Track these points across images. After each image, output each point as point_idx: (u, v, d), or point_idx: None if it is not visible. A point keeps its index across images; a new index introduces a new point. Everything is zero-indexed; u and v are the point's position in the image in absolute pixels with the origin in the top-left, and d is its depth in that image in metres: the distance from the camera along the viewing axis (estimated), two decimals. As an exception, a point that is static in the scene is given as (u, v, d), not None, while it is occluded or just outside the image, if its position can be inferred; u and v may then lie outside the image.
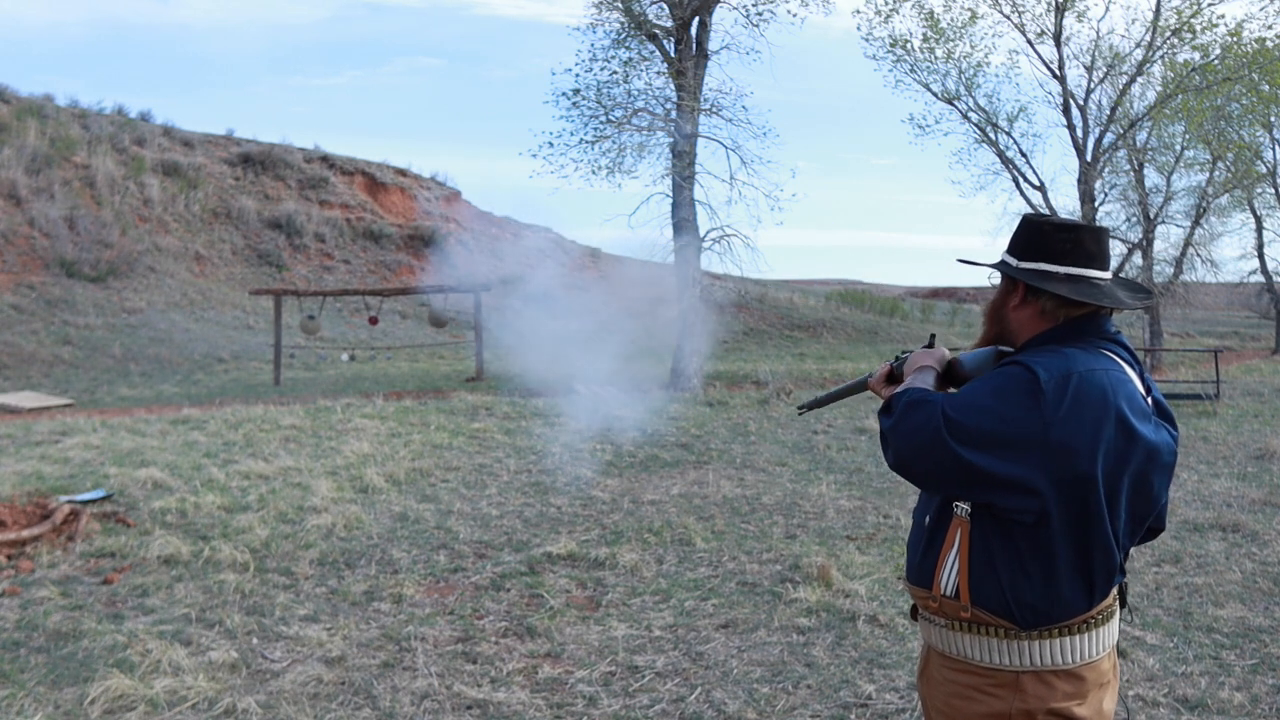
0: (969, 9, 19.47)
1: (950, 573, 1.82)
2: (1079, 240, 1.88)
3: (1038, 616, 1.76)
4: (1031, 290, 1.89)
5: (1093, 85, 20.14)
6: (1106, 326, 1.92)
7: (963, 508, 1.81)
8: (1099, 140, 20.14)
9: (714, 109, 17.00)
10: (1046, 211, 20.15)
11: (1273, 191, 27.12)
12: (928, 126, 20.72)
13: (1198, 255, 24.45)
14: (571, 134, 17.11)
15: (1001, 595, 1.76)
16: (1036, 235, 1.90)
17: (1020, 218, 1.98)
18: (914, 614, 2.01)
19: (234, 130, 32.75)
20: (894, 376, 2.11)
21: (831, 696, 3.71)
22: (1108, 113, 20.16)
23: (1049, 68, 19.86)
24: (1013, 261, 1.91)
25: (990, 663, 1.79)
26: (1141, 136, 21.75)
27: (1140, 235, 22.38)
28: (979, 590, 1.78)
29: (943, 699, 1.86)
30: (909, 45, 19.84)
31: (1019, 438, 1.70)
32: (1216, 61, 18.45)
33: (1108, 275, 1.92)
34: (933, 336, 2.23)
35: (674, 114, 16.66)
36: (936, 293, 46.62)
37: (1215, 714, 3.52)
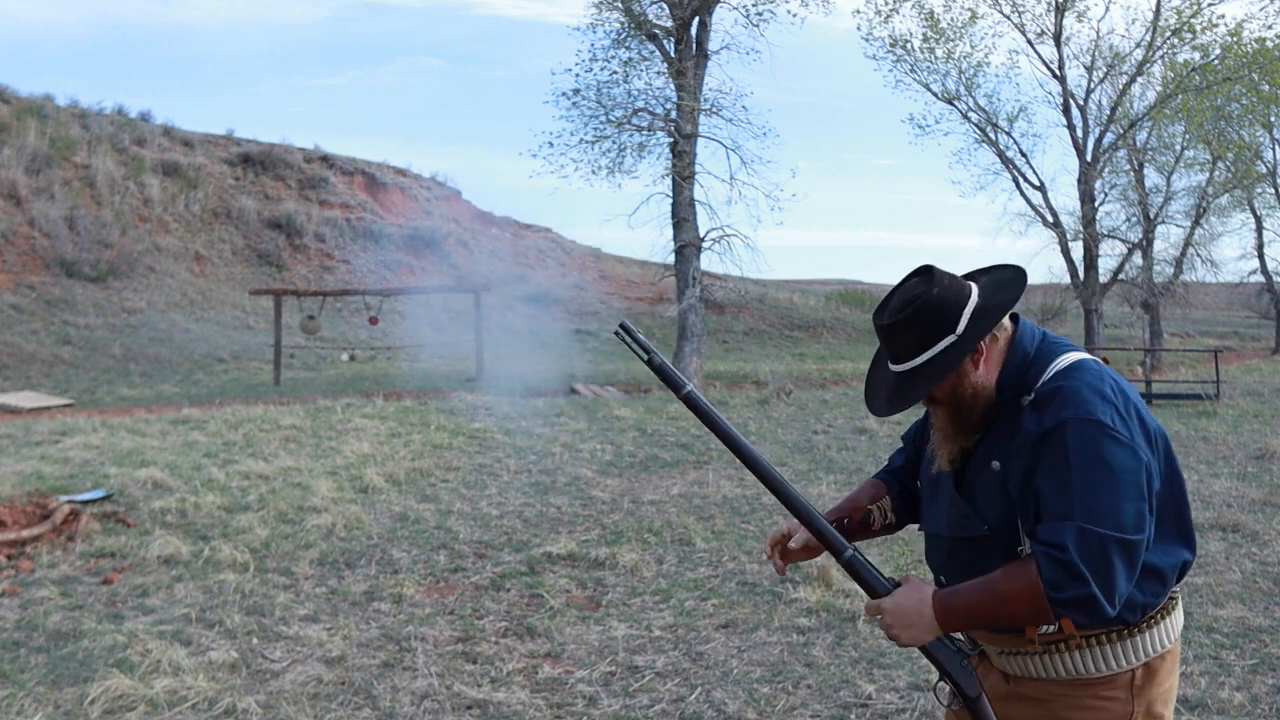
0: (969, 9, 19.49)
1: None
2: (940, 286, 1.74)
3: (1148, 606, 1.71)
4: (987, 334, 1.74)
5: (1093, 85, 20.15)
6: None
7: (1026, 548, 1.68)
8: (1099, 140, 20.16)
9: (714, 109, 17.03)
10: (1046, 211, 20.17)
11: (1273, 191, 27.13)
12: (928, 126, 20.75)
13: (1198, 255, 24.47)
14: (571, 134, 17.16)
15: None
16: (935, 311, 1.72)
17: (895, 328, 1.75)
18: (980, 656, 1.85)
19: (234, 130, 32.79)
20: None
21: (831, 696, 3.71)
22: (1108, 113, 20.17)
23: (1049, 68, 19.88)
24: (950, 338, 1.72)
25: (1106, 670, 1.71)
26: (1141, 136, 21.78)
27: (1140, 235, 22.39)
28: None
29: (1048, 715, 1.76)
30: (909, 45, 19.86)
31: (1144, 478, 1.63)
32: (1216, 61, 18.46)
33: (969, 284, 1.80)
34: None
35: (674, 114, 16.67)
36: (936, 293, 46.56)
37: (1215, 714, 3.52)
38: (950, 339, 1.71)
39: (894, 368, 1.79)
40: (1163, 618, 1.76)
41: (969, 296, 1.74)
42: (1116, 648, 1.71)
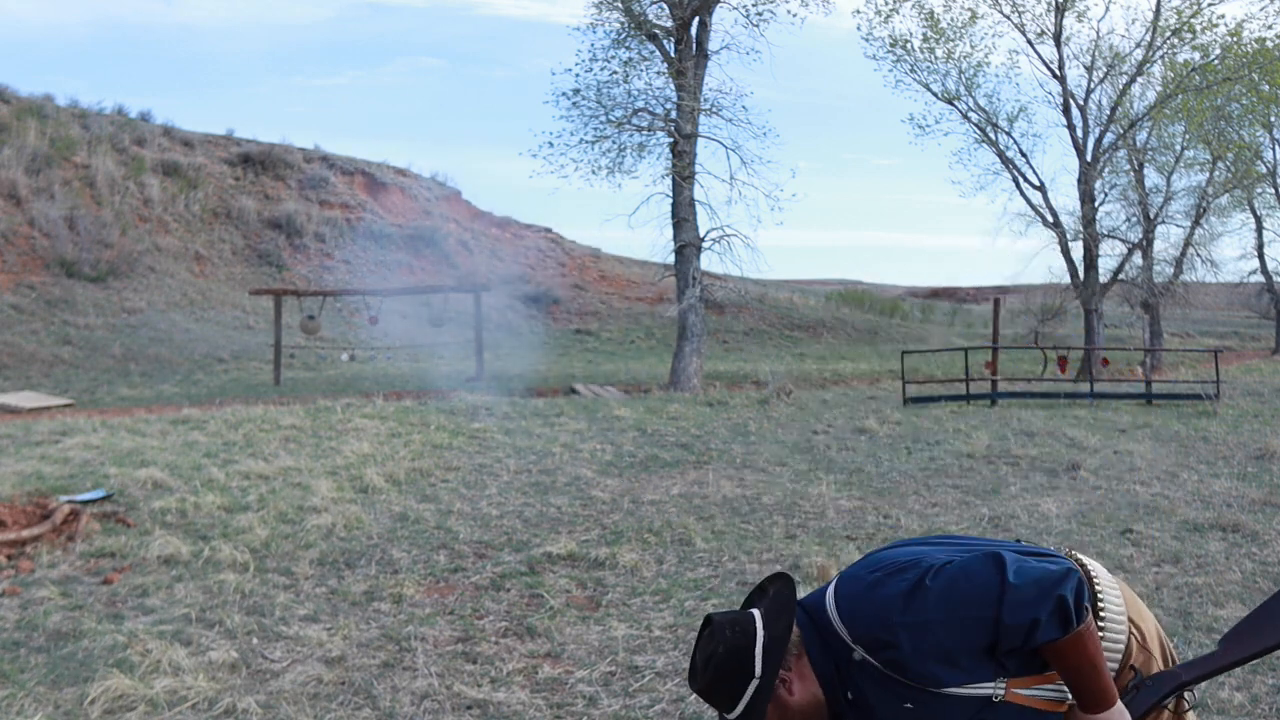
0: (969, 9, 19.49)
1: (1060, 693, 1.81)
2: (724, 640, 1.86)
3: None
4: (785, 664, 1.85)
5: (1093, 85, 20.14)
6: None
7: (998, 690, 1.79)
8: (1099, 140, 20.14)
9: (714, 109, 17.02)
10: (1046, 211, 20.16)
11: (1273, 191, 27.14)
12: (928, 126, 20.73)
13: (1198, 255, 24.46)
14: (571, 134, 17.14)
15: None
16: (731, 662, 1.84)
17: (706, 690, 1.87)
18: None
19: (234, 130, 32.78)
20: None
21: (831, 696, 3.71)
22: (1108, 113, 20.16)
23: (1049, 68, 19.87)
24: (754, 681, 1.82)
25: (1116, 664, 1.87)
26: (1141, 136, 21.76)
27: (1140, 235, 22.38)
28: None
29: None
30: (909, 45, 19.85)
31: (958, 555, 1.86)
32: (1216, 61, 18.46)
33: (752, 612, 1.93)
34: None
35: (674, 114, 16.66)
36: (936, 293, 46.66)
37: (1215, 714, 3.52)
38: (755, 682, 1.81)
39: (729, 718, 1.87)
40: (1099, 594, 1.88)
41: (755, 635, 1.84)
42: (1106, 643, 1.84)
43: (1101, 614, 1.84)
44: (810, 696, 1.85)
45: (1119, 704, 1.76)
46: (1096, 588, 1.87)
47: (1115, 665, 1.84)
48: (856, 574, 1.85)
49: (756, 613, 1.89)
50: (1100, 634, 1.82)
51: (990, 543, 1.85)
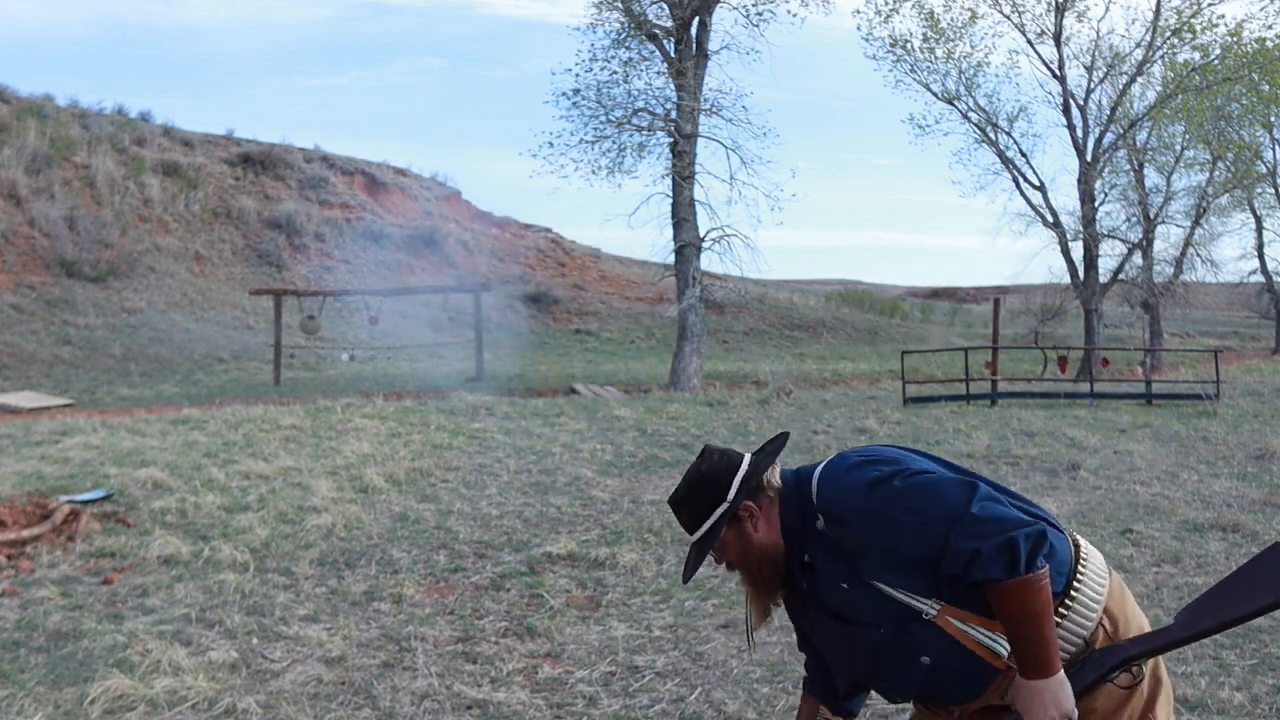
0: (969, 9, 19.48)
1: (993, 639, 1.79)
2: (709, 463, 1.98)
3: (1056, 577, 1.81)
4: (754, 495, 1.94)
5: (1093, 85, 20.14)
6: None
7: (932, 608, 1.79)
8: (1099, 140, 20.14)
9: (714, 109, 17.01)
10: (1046, 211, 20.17)
11: (1273, 191, 27.14)
12: (928, 126, 20.74)
13: (1198, 255, 24.47)
14: (571, 134, 17.13)
15: None
16: (707, 484, 1.95)
17: (678, 505, 2.00)
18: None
19: (234, 130, 32.79)
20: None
21: (831, 696, 3.71)
22: (1108, 113, 20.16)
23: (1049, 68, 19.87)
24: (723, 506, 1.93)
25: (1080, 642, 1.82)
26: (1141, 136, 21.76)
27: (1140, 235, 22.38)
28: None
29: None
30: (909, 45, 19.85)
31: (934, 465, 1.93)
32: (1216, 61, 18.46)
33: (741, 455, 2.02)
34: None
35: (674, 114, 16.66)
36: (936, 293, 46.67)
37: (1215, 714, 3.52)
38: (723, 506, 1.92)
39: (691, 540, 2.00)
40: (1080, 574, 1.85)
41: (737, 466, 1.95)
42: (1070, 623, 1.81)
43: (1073, 594, 1.82)
44: (772, 541, 1.93)
45: (1059, 674, 1.73)
46: (1080, 569, 1.85)
47: (1071, 648, 1.81)
48: (846, 455, 1.94)
49: (747, 454, 2.00)
50: (1065, 614, 1.80)
51: (984, 480, 1.85)
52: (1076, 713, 1.73)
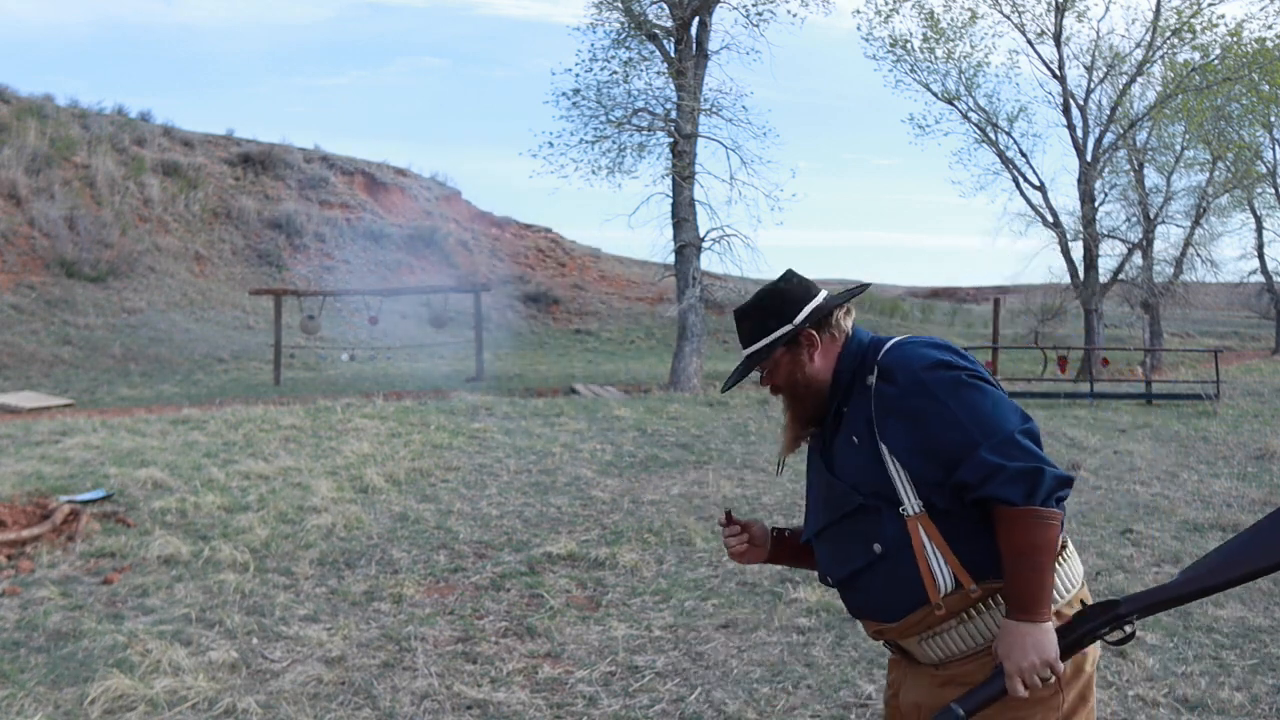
0: (969, 9, 19.48)
1: (941, 570, 1.78)
2: (788, 285, 2.00)
3: None
4: (819, 327, 1.96)
5: (1093, 85, 20.14)
6: None
7: (914, 506, 1.78)
8: (1099, 140, 20.14)
9: (714, 109, 17.01)
10: (1046, 211, 20.17)
11: (1273, 191, 27.14)
12: (928, 126, 20.74)
13: (1198, 255, 24.47)
14: (571, 134, 17.13)
15: (995, 553, 1.76)
16: (781, 297, 1.97)
17: (743, 314, 2.02)
18: (897, 649, 1.93)
19: (234, 130, 32.78)
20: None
21: (831, 696, 3.71)
22: (1108, 113, 20.16)
23: (1049, 68, 19.87)
24: (786, 327, 1.95)
25: None
26: (1141, 136, 21.76)
27: (1140, 235, 22.38)
28: (974, 563, 1.77)
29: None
30: (909, 45, 19.85)
31: (1000, 392, 1.87)
32: (1216, 61, 18.46)
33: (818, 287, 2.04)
34: None
35: (674, 114, 16.66)
36: (936, 293, 46.65)
37: (1215, 714, 3.52)
38: (786, 328, 1.94)
39: (743, 352, 2.02)
40: (1064, 557, 1.84)
41: (813, 297, 1.97)
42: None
43: (1057, 565, 1.81)
44: (822, 375, 1.95)
45: (1048, 623, 1.70)
46: (1064, 553, 1.85)
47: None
48: (930, 338, 1.91)
49: (825, 291, 2.02)
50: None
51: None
52: (1061, 666, 1.70)
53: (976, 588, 1.76)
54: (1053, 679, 1.71)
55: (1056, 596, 1.79)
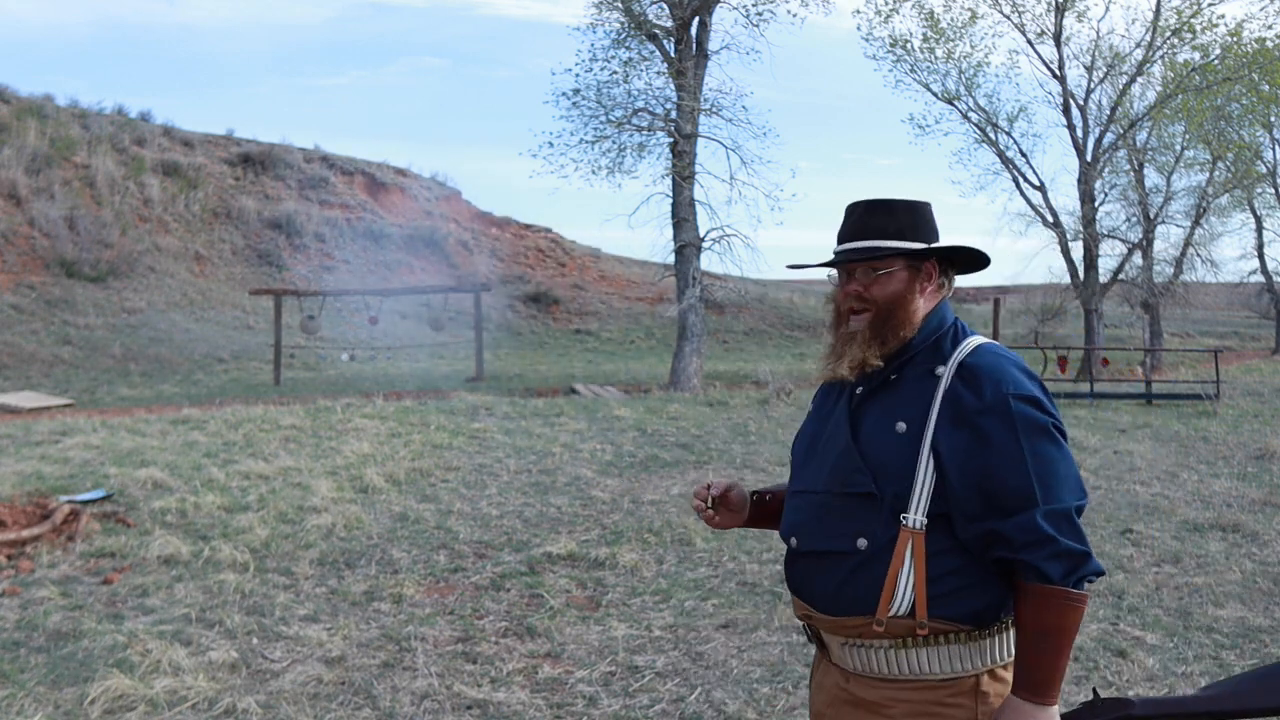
0: (969, 9, 19.48)
1: (905, 592, 1.65)
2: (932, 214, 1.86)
3: (998, 610, 1.69)
4: (940, 267, 1.82)
5: (1093, 85, 20.14)
6: None
7: (918, 519, 1.65)
8: (1099, 140, 20.14)
9: (714, 109, 17.01)
10: (1046, 211, 20.18)
11: (1273, 191, 27.13)
12: (928, 126, 20.74)
13: (1198, 255, 24.46)
14: (571, 134, 17.13)
15: (962, 600, 1.66)
16: (928, 215, 1.82)
17: (889, 205, 1.80)
18: (817, 639, 1.85)
19: (234, 130, 32.78)
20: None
21: (831, 696, 3.71)
22: (1108, 113, 20.16)
23: (1049, 68, 19.87)
24: (921, 247, 1.78)
25: (951, 672, 1.67)
26: (1141, 136, 21.76)
27: (1140, 235, 22.38)
28: (938, 601, 1.66)
29: None
30: (909, 45, 19.85)
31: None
32: (1216, 61, 18.46)
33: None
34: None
35: (674, 114, 16.66)
36: (936, 293, 46.54)
37: (1215, 714, 3.52)
38: (922, 246, 1.77)
39: (858, 244, 1.79)
40: (1011, 623, 1.72)
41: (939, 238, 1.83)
42: (967, 648, 1.68)
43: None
44: (916, 319, 1.77)
45: (1055, 708, 1.61)
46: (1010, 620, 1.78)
47: (966, 667, 1.71)
48: (1018, 358, 1.76)
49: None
50: (1000, 630, 1.72)
51: None
52: None
53: (926, 624, 1.66)
54: None
55: (987, 663, 1.69)
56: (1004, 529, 1.62)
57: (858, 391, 1.79)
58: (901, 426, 1.69)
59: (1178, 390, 14.76)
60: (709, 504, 1.98)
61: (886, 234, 1.77)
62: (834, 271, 1.89)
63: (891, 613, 1.66)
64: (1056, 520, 1.60)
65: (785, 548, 1.86)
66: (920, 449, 1.67)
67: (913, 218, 1.79)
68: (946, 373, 1.70)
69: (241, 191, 29.19)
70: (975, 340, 1.75)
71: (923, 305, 1.79)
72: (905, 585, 1.66)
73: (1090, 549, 1.62)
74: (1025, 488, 1.61)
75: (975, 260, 1.85)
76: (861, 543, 1.69)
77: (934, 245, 1.79)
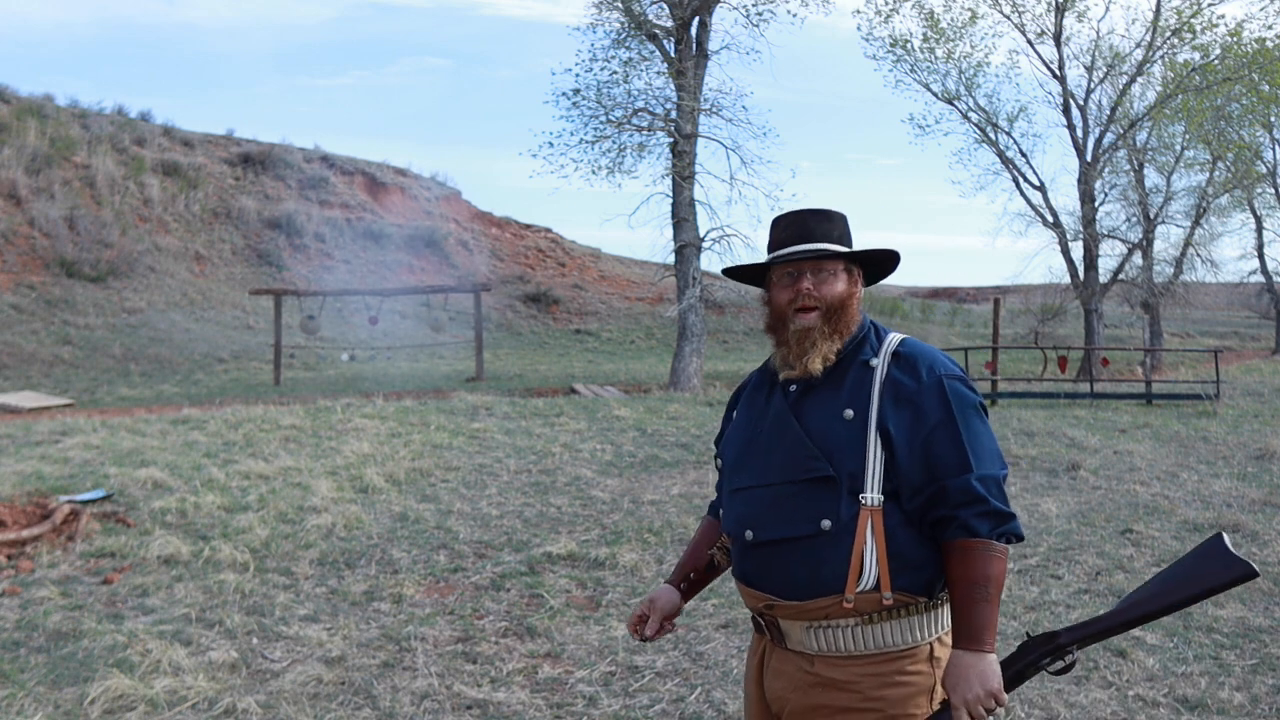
0: (969, 9, 19.49)
1: (870, 566, 1.77)
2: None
3: (941, 582, 1.84)
4: (862, 271, 2.01)
5: (1093, 85, 20.14)
6: None
7: (874, 497, 1.79)
8: (1099, 140, 20.15)
9: (714, 109, 17.00)
10: (1046, 211, 20.18)
11: (1273, 191, 27.14)
12: (928, 126, 20.74)
13: (1198, 255, 24.47)
14: (571, 134, 17.12)
15: (918, 571, 1.80)
16: (846, 228, 2.00)
17: (824, 213, 1.98)
18: (773, 629, 1.90)
19: (234, 130, 32.79)
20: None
21: (831, 696, 3.71)
22: (1108, 113, 20.16)
23: (1049, 68, 19.88)
24: (854, 250, 1.98)
25: (912, 642, 1.81)
26: (1141, 136, 21.77)
27: (1140, 235, 22.38)
28: (899, 574, 1.79)
29: (859, 697, 1.80)
30: (909, 45, 19.86)
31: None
32: (1216, 61, 18.46)
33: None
34: None
35: (674, 114, 16.66)
36: (936, 293, 46.67)
37: (1215, 714, 3.52)
38: (862, 249, 1.98)
39: (814, 245, 1.93)
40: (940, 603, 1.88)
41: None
42: (924, 618, 1.82)
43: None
44: (856, 312, 1.95)
45: (993, 654, 1.72)
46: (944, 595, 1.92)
47: (909, 639, 1.85)
48: (942, 351, 1.95)
49: None
50: (936, 605, 1.87)
51: None
52: (1005, 697, 1.73)
53: (891, 595, 1.78)
54: (998, 710, 1.73)
55: (938, 631, 1.84)
56: (943, 490, 1.78)
57: (791, 389, 1.92)
58: (849, 413, 1.83)
59: (1178, 390, 14.76)
60: (646, 636, 2.19)
61: (830, 239, 1.95)
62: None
63: (860, 588, 1.78)
64: (987, 484, 1.78)
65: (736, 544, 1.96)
66: (867, 432, 1.81)
67: (845, 226, 1.99)
68: (881, 363, 1.87)
69: (241, 191, 29.20)
70: (897, 335, 1.94)
71: (853, 308, 1.95)
72: (871, 560, 1.78)
73: (1014, 514, 1.80)
74: (961, 456, 1.79)
75: (886, 266, 2.05)
76: (825, 524, 1.79)
77: (870, 249, 1.98)
